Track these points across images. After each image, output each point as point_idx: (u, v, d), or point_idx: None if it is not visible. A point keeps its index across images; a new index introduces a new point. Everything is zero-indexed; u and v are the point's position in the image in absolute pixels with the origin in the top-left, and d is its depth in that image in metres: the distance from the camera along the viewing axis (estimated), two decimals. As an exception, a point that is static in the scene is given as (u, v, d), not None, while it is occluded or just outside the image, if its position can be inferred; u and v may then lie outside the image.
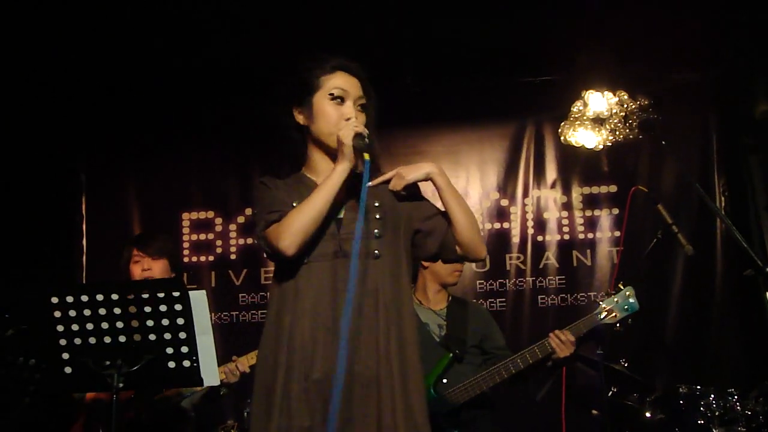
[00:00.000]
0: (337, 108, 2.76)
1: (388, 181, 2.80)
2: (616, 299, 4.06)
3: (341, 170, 2.66)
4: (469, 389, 4.05)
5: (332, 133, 2.73)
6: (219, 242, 6.43)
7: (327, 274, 2.66)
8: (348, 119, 2.73)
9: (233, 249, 6.42)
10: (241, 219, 6.43)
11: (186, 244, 6.42)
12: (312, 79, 2.79)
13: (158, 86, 5.99)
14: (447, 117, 6.23)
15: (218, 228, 6.44)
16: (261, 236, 2.71)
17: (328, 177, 2.67)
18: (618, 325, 4.09)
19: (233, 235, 6.43)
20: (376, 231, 2.71)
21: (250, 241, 6.39)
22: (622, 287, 4.09)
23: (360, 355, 2.58)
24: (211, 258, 6.42)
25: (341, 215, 2.73)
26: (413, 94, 5.98)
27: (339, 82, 2.78)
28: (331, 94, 2.76)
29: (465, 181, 6.30)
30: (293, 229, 2.61)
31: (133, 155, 6.48)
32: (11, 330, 3.85)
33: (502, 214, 6.27)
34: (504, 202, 6.28)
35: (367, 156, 2.62)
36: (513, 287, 6.16)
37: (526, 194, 6.26)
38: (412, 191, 2.85)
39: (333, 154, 2.74)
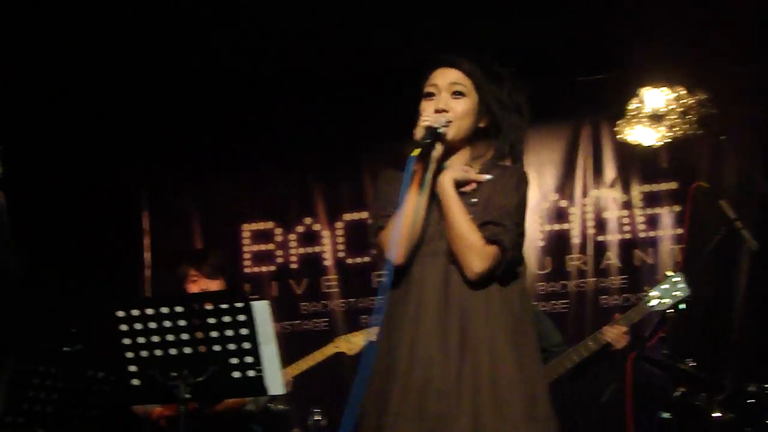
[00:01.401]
0: (428, 105, 2.68)
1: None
2: (664, 286, 4.07)
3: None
4: None
5: None
6: (279, 252, 6.48)
7: (437, 274, 2.57)
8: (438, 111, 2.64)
9: (293, 258, 6.46)
10: (300, 228, 6.47)
11: (247, 255, 6.49)
12: (420, 91, 2.72)
13: (214, 101, 6.06)
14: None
15: (278, 238, 6.49)
16: (374, 244, 2.69)
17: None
18: (671, 310, 4.06)
19: (293, 244, 6.47)
20: None
21: (310, 250, 6.43)
22: (669, 274, 4.08)
23: (435, 369, 2.48)
24: (272, 268, 6.47)
25: None
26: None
27: (432, 79, 2.71)
28: (425, 94, 2.70)
29: (522, 183, 6.25)
30: (395, 240, 2.52)
31: (192, 170, 6.57)
32: (79, 344, 3.93)
33: (561, 215, 6.20)
34: (563, 203, 6.21)
35: (416, 152, 2.51)
36: (575, 288, 6.09)
37: (584, 194, 6.18)
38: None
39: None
